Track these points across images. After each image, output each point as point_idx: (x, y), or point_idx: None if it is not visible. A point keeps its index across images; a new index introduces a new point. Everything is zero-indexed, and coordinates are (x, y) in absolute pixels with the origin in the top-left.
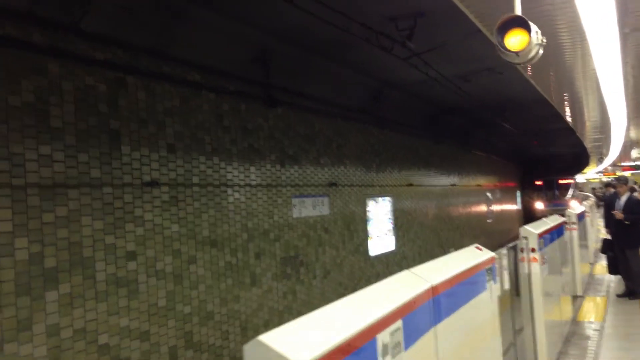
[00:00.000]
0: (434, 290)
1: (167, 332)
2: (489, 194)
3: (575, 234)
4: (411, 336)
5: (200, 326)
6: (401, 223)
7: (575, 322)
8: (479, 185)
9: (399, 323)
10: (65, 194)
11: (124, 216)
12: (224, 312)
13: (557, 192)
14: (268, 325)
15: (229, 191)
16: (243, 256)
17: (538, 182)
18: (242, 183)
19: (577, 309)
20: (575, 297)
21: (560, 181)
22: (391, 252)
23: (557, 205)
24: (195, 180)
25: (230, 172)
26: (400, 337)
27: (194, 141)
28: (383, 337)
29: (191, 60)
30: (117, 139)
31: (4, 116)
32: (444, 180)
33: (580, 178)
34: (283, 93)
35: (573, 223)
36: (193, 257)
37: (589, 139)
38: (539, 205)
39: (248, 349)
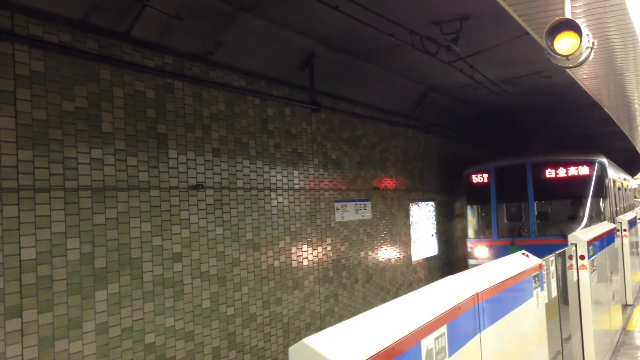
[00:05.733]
0: (479, 296)
1: (210, 332)
2: None
3: (626, 241)
4: (456, 342)
5: (243, 328)
6: (444, 228)
7: (626, 332)
8: None
9: (443, 329)
10: (115, 197)
11: (170, 218)
12: (267, 314)
13: (532, 208)
14: (310, 328)
15: (273, 195)
16: (286, 259)
17: (478, 177)
18: (285, 187)
19: (627, 318)
20: (625, 306)
21: (552, 170)
22: (434, 257)
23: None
24: (240, 183)
25: (274, 176)
26: (444, 342)
27: (238, 145)
28: (427, 343)
29: (237, 66)
30: (165, 143)
31: (58, 121)
32: None
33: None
34: (327, 97)
35: (624, 230)
36: (237, 259)
37: None
38: (480, 250)
39: (293, 351)
